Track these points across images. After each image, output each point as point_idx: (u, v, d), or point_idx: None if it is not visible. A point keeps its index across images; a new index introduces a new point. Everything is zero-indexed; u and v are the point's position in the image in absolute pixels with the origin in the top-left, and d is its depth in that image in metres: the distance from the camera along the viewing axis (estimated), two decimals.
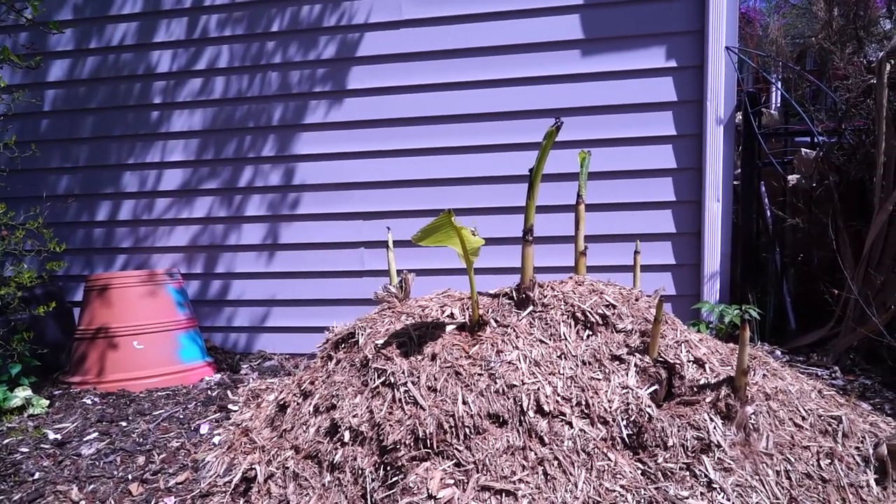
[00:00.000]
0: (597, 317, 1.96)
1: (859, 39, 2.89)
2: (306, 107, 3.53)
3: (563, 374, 1.84)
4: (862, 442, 1.91)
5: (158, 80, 3.68)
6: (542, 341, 1.93)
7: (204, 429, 2.50)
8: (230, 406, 2.71)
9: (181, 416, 2.66)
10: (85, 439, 2.46)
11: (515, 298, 2.08)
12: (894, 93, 2.79)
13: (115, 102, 3.74)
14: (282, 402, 2.24)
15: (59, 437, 2.48)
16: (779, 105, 4.69)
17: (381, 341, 2.03)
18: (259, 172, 3.62)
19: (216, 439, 2.37)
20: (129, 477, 2.17)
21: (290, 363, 3.50)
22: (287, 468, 1.93)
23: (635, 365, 1.88)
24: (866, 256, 2.85)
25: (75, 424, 2.61)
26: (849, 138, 3.00)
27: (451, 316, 2.09)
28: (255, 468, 1.98)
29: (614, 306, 2.00)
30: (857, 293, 2.75)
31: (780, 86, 3.59)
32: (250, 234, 3.68)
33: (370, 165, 3.51)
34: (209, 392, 2.98)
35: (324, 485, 1.83)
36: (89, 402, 2.87)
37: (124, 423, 2.61)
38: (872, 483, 1.81)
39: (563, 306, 2.00)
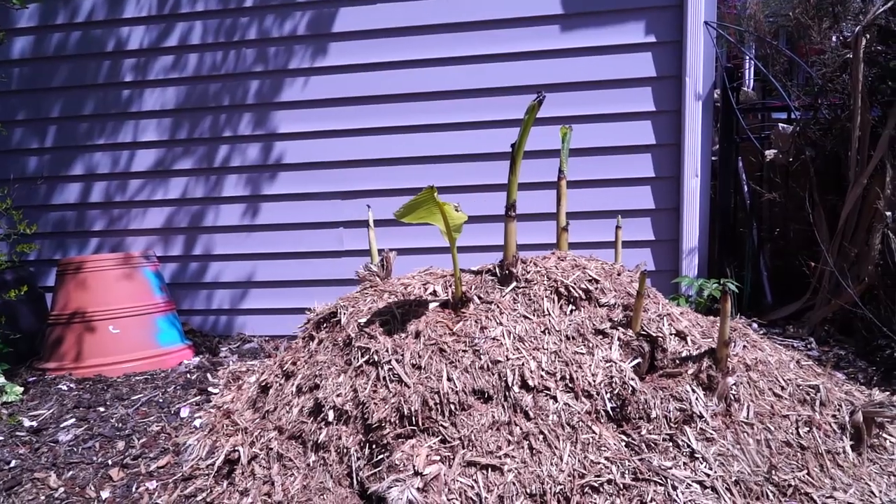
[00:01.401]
0: (580, 292, 1.97)
1: (835, 15, 2.90)
2: (283, 83, 3.46)
3: (547, 349, 1.85)
4: (838, 410, 1.95)
5: (129, 57, 3.57)
6: (525, 317, 1.93)
7: (184, 412, 2.47)
8: (210, 389, 2.68)
9: (160, 400, 2.63)
10: (62, 426, 2.41)
11: (498, 275, 2.07)
12: (870, 67, 2.81)
13: (85, 80, 3.63)
14: (264, 384, 2.21)
15: (34, 424, 2.43)
16: (752, 82, 4.71)
17: (363, 320, 2.01)
18: (235, 151, 3.55)
19: (197, 422, 2.34)
20: (109, 462, 2.14)
21: (269, 345, 3.47)
22: (271, 449, 1.92)
23: (618, 339, 1.89)
24: (841, 230, 2.89)
25: (51, 411, 2.56)
26: (825, 113, 3.03)
27: (434, 293, 2.08)
28: (238, 450, 1.96)
29: (597, 281, 2.00)
30: (832, 265, 2.79)
31: (758, 62, 3.60)
32: (227, 215, 3.62)
33: (349, 143, 3.46)
34: (188, 375, 2.94)
35: (308, 464, 1.82)
36: (65, 388, 2.82)
37: (102, 409, 2.57)
38: (849, 449, 1.85)
39: (546, 282, 1.99)
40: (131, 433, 2.33)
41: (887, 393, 2.29)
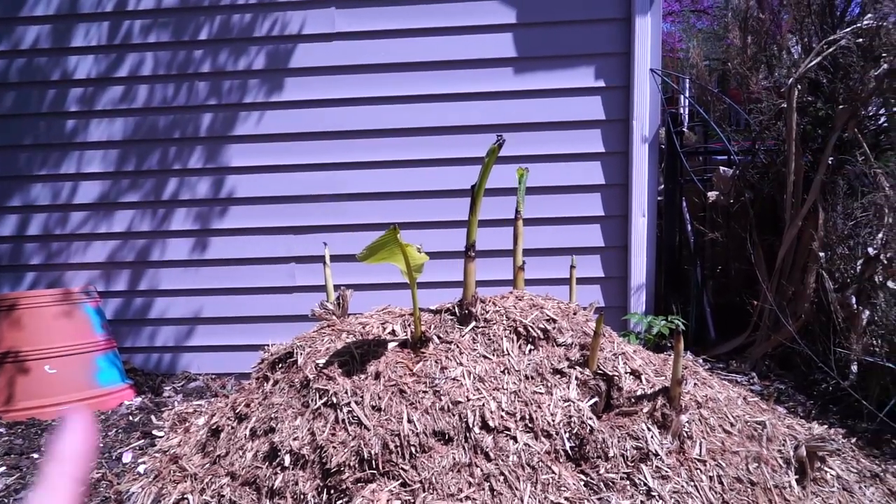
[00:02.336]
0: (538, 331, 1.99)
1: (770, 66, 3.09)
2: (237, 117, 3.42)
3: (507, 389, 1.86)
4: (783, 445, 2.02)
5: (75, 87, 3.47)
6: (485, 357, 1.94)
7: (127, 457, 2.37)
8: (155, 431, 2.58)
9: (101, 445, 2.51)
10: None
11: (458, 314, 2.08)
12: (801, 116, 2.99)
13: (26, 109, 3.50)
14: (214, 427, 2.14)
15: None
16: (686, 124, 4.94)
17: (322, 361, 1.98)
18: (185, 184, 3.48)
19: (141, 468, 2.24)
20: None
21: (216, 383, 3.37)
22: (223, 496, 1.85)
23: (576, 378, 1.92)
24: (779, 268, 3.04)
25: None
26: (762, 158, 3.20)
27: (393, 333, 2.07)
28: (186, 498, 1.88)
29: (555, 321, 2.04)
30: (771, 302, 2.92)
31: (699, 108, 3.79)
32: (175, 249, 3.53)
33: (304, 178, 3.44)
34: (131, 417, 2.82)
35: None
36: None
37: (36, 455, 2.43)
38: (794, 483, 1.91)
39: (505, 321, 2.01)
40: None
41: (825, 426, 2.40)
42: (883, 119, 3.06)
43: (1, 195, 3.56)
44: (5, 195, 3.55)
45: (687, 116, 4.77)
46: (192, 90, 3.42)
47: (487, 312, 2.05)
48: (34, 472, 2.28)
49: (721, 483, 1.82)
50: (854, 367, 2.72)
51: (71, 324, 3.05)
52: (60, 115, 3.49)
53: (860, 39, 2.74)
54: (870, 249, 2.78)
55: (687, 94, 4.58)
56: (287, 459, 1.81)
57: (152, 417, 2.77)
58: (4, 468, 2.32)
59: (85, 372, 3.01)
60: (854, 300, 2.79)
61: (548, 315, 2.04)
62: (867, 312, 2.73)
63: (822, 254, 2.89)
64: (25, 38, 3.46)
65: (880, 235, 2.72)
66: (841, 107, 2.84)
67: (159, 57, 3.42)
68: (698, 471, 1.82)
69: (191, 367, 3.59)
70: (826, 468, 2.06)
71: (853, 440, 2.43)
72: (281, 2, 3.34)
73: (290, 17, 3.36)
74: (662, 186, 3.55)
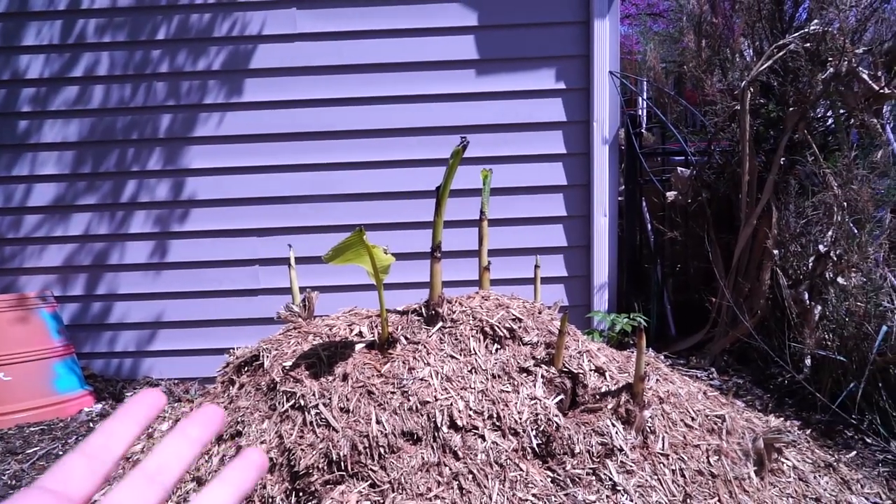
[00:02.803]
0: (504, 331, 2.02)
1: (724, 69, 3.18)
2: (196, 118, 3.37)
3: (474, 389, 1.88)
4: (742, 437, 2.09)
5: (27, 87, 3.37)
6: (452, 357, 1.96)
7: None
8: None
9: (60, 453, 2.45)
10: None
11: (425, 315, 2.10)
12: (754, 118, 3.09)
13: None
14: None
15: None
16: (645, 125, 5.05)
17: (288, 363, 1.97)
18: (144, 186, 3.41)
19: None
20: None
21: (179, 388, 3.32)
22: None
23: (542, 376, 1.95)
24: (735, 266, 3.13)
25: None
26: (718, 158, 3.29)
27: (360, 334, 2.07)
28: None
29: (521, 320, 2.07)
30: (729, 299, 3.01)
31: (657, 109, 3.87)
32: (135, 253, 3.45)
33: (266, 180, 3.41)
34: (91, 424, 2.76)
35: None
36: None
37: None
38: (753, 475, 1.98)
39: (471, 321, 2.04)
40: None
41: (782, 419, 2.48)
42: (831, 121, 3.17)
43: None
44: None
45: (645, 118, 4.87)
46: (151, 91, 3.36)
47: (454, 313, 2.07)
48: None
49: (683, 476, 1.87)
50: (808, 361, 2.82)
51: (26, 329, 2.97)
52: (11, 115, 3.38)
53: (808, 44, 2.85)
54: (821, 247, 2.88)
55: (645, 97, 4.68)
56: None
57: None
58: None
59: (42, 379, 2.94)
60: (807, 296, 2.90)
61: (514, 314, 2.07)
62: (819, 308, 2.84)
63: (776, 251, 2.99)
64: None
65: (830, 233, 2.83)
66: (791, 109, 2.94)
67: (115, 57, 3.35)
68: (661, 464, 1.87)
69: (152, 372, 3.53)
70: (783, 459, 2.14)
71: (808, 431, 2.52)
72: (241, 2, 3.30)
73: (251, 17, 3.32)
74: (623, 187, 3.63)
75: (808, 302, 2.86)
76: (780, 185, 3.05)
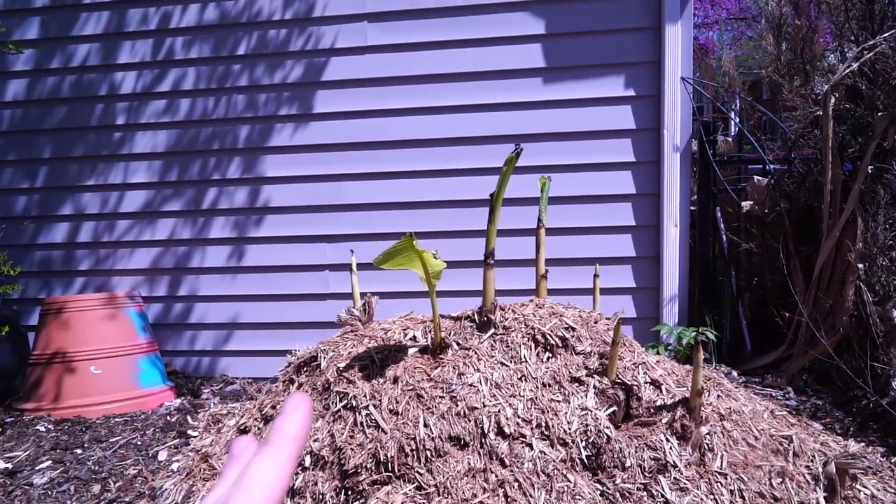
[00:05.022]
0: (556, 339, 2.00)
1: (806, 73, 3.02)
2: (272, 129, 3.53)
3: (523, 397, 1.87)
4: (812, 461, 1.97)
5: (121, 101, 3.65)
6: (503, 364, 1.96)
7: (162, 455, 2.46)
8: (190, 432, 2.67)
9: (139, 443, 2.61)
10: (37, 468, 2.39)
11: (477, 321, 2.11)
12: (839, 124, 2.92)
13: (77, 123, 3.69)
14: (242, 427, 2.21)
15: (9, 465, 2.41)
16: (734, 134, 4.86)
17: (343, 364, 2.03)
18: (223, 194, 3.60)
19: (175, 466, 2.33)
20: None
21: (252, 387, 3.46)
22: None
23: (594, 387, 1.91)
24: (816, 280, 2.96)
25: (27, 452, 2.53)
26: (798, 167, 3.13)
27: (414, 339, 2.10)
28: None
29: (574, 329, 2.04)
30: (807, 316, 2.84)
31: (733, 116, 3.73)
32: (214, 256, 3.65)
33: (335, 188, 3.52)
34: (169, 418, 2.92)
35: None
36: (43, 429, 2.79)
37: (79, 451, 2.54)
38: (822, 501, 1.86)
39: (523, 329, 2.03)
40: (108, 476, 2.31)
41: (863, 444, 2.32)
42: None
43: (54, 204, 3.75)
44: (58, 204, 3.75)
45: (725, 127, 4.70)
46: (231, 103, 3.55)
47: (507, 320, 2.06)
48: (77, 466, 2.38)
49: (742, 497, 1.78)
50: (895, 384, 2.63)
51: (115, 326, 3.18)
52: (108, 128, 3.67)
53: None
54: None
55: (727, 106, 4.50)
56: (308, 460, 1.86)
57: (188, 418, 2.87)
58: (50, 462, 2.44)
59: (128, 373, 3.14)
60: (895, 313, 2.70)
61: (567, 323, 2.04)
62: None
63: (860, 265, 2.81)
64: (76, 54, 3.65)
65: None
66: (880, 114, 2.76)
67: (200, 71, 3.57)
68: (718, 484, 1.79)
69: (229, 370, 3.70)
70: (859, 487, 2.00)
71: (893, 459, 2.34)
72: (315, 17, 3.44)
73: (324, 31, 3.45)
74: (695, 196, 3.50)
75: (895, 320, 2.66)
76: (866, 194, 2.86)
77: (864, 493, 1.99)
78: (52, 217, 3.76)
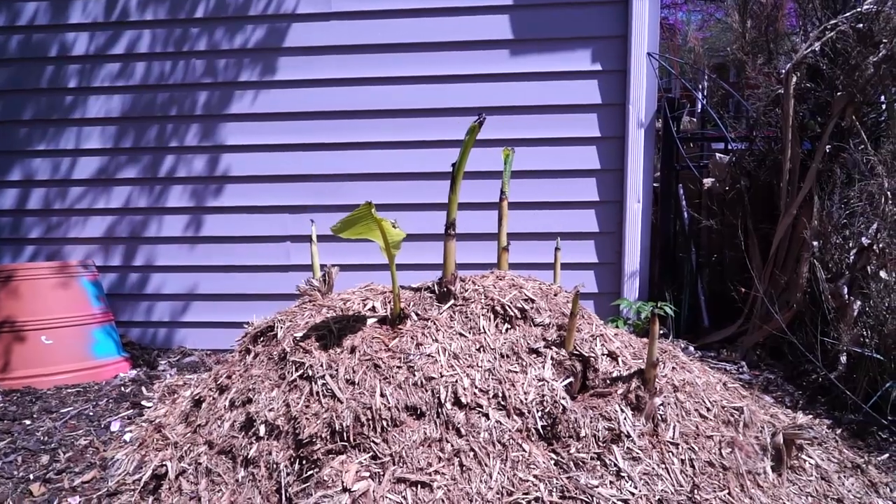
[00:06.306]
0: (516, 311, 2.00)
1: (770, 51, 3.04)
2: (232, 95, 3.44)
3: (481, 367, 1.87)
4: (761, 431, 2.02)
5: (73, 63, 3.50)
6: (461, 334, 1.95)
7: (115, 426, 2.40)
8: (144, 402, 2.62)
9: (91, 414, 2.55)
10: None
11: (437, 292, 2.09)
12: (800, 103, 2.95)
13: (26, 85, 3.54)
14: (197, 397, 2.17)
15: None
16: (699, 112, 4.90)
17: (300, 334, 2.00)
18: (182, 161, 3.50)
19: (127, 436, 2.28)
20: (31, 477, 2.06)
21: (211, 359, 3.40)
22: (200, 464, 1.88)
23: (552, 358, 1.92)
24: (773, 257, 3.01)
25: None
26: (759, 145, 3.16)
27: (373, 309, 2.08)
28: (166, 464, 1.92)
29: (533, 301, 2.04)
30: (762, 292, 2.90)
31: (697, 93, 3.75)
32: (171, 226, 3.56)
33: (296, 158, 3.45)
34: (123, 388, 2.86)
35: (237, 480, 1.79)
36: None
37: (28, 422, 2.47)
38: (769, 470, 1.91)
39: (483, 300, 2.02)
40: (57, 447, 2.26)
41: (810, 416, 2.39)
42: (884, 107, 3.01)
43: (2, 169, 3.60)
44: (6, 169, 3.60)
45: (687, 105, 4.72)
46: (189, 67, 3.44)
47: (466, 291, 2.05)
48: (26, 437, 2.32)
49: (692, 466, 1.82)
50: (843, 359, 2.70)
51: (68, 296, 3.09)
52: (59, 91, 3.52)
53: (860, 24, 2.70)
54: (864, 239, 2.75)
55: (686, 81, 4.53)
56: (262, 430, 1.84)
57: (143, 389, 2.81)
58: None
59: (81, 343, 3.06)
60: (846, 290, 2.77)
61: (526, 295, 2.04)
62: (858, 303, 2.71)
63: (815, 243, 2.87)
64: (23, 12, 3.48)
65: (875, 225, 2.69)
66: (839, 93, 2.80)
67: (156, 34, 3.44)
68: (670, 453, 1.82)
69: (186, 342, 3.64)
70: (805, 457, 2.06)
71: (838, 431, 2.41)
72: None
73: None
74: (658, 173, 3.53)
75: (847, 296, 2.73)
76: (823, 173, 2.91)
77: (810, 463, 2.05)
78: (0, 182, 3.61)
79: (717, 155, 3.21)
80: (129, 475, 1.98)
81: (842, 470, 2.14)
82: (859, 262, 2.75)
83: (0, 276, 3.00)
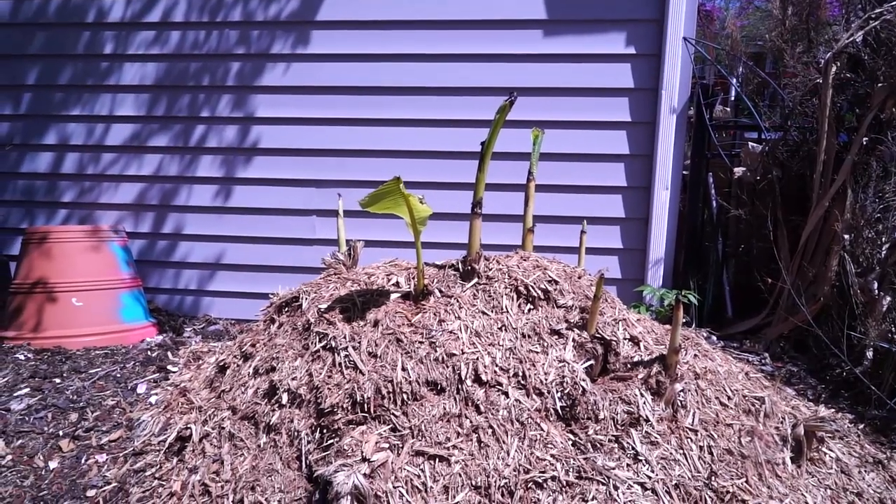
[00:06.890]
0: (539, 291, 2.00)
1: (810, 40, 2.97)
2: (264, 67, 3.45)
3: (502, 346, 1.88)
4: (782, 422, 2.01)
5: (109, 29, 3.54)
6: (484, 313, 1.96)
7: (141, 388, 2.46)
8: (170, 367, 2.67)
9: (118, 375, 2.61)
10: (15, 395, 2.39)
11: (461, 270, 2.10)
12: (838, 94, 2.89)
13: (63, 50, 3.59)
14: (222, 364, 2.22)
15: None
16: (732, 100, 4.81)
17: (324, 306, 2.03)
18: (212, 131, 3.54)
19: (153, 399, 2.34)
20: (60, 433, 2.13)
21: (235, 328, 3.46)
22: (223, 428, 1.92)
23: (573, 340, 1.93)
24: (801, 249, 2.97)
25: (6, 379, 2.53)
26: (794, 135, 3.10)
27: (397, 284, 2.10)
28: (190, 427, 1.96)
29: (557, 282, 2.04)
30: (789, 284, 2.86)
31: (732, 81, 3.68)
32: (200, 195, 3.60)
33: (326, 132, 3.47)
34: (149, 353, 2.92)
35: (259, 445, 1.83)
36: (22, 357, 2.79)
37: (58, 380, 2.55)
38: (788, 461, 1.90)
39: (506, 280, 2.03)
40: (85, 406, 2.32)
41: (833, 410, 2.37)
42: None
43: (38, 132, 3.67)
44: (42, 132, 3.67)
45: (723, 92, 4.64)
46: (223, 37, 3.46)
47: (490, 270, 2.06)
48: (55, 395, 2.39)
49: (711, 453, 1.82)
50: (869, 354, 2.66)
51: (98, 259, 3.15)
52: (94, 57, 3.57)
53: None
54: None
55: (734, 73, 4.43)
56: (285, 398, 1.88)
57: (169, 354, 2.87)
58: (28, 389, 2.44)
59: (110, 307, 3.12)
60: (876, 285, 2.72)
61: (550, 276, 2.04)
62: (888, 298, 2.66)
63: (846, 236, 2.81)
64: None
65: None
66: (880, 84, 2.73)
67: (192, 2, 3.45)
68: (689, 439, 1.83)
69: (211, 310, 3.70)
70: (826, 450, 2.05)
71: (861, 426, 2.39)
72: None
73: None
74: (688, 160, 3.48)
75: (876, 291, 2.68)
76: (858, 166, 2.85)
77: (830, 456, 2.04)
78: (36, 146, 3.69)
79: (750, 144, 3.16)
80: (155, 436, 2.04)
81: (863, 464, 2.12)
82: (891, 258, 2.70)
83: (34, 238, 3.08)
